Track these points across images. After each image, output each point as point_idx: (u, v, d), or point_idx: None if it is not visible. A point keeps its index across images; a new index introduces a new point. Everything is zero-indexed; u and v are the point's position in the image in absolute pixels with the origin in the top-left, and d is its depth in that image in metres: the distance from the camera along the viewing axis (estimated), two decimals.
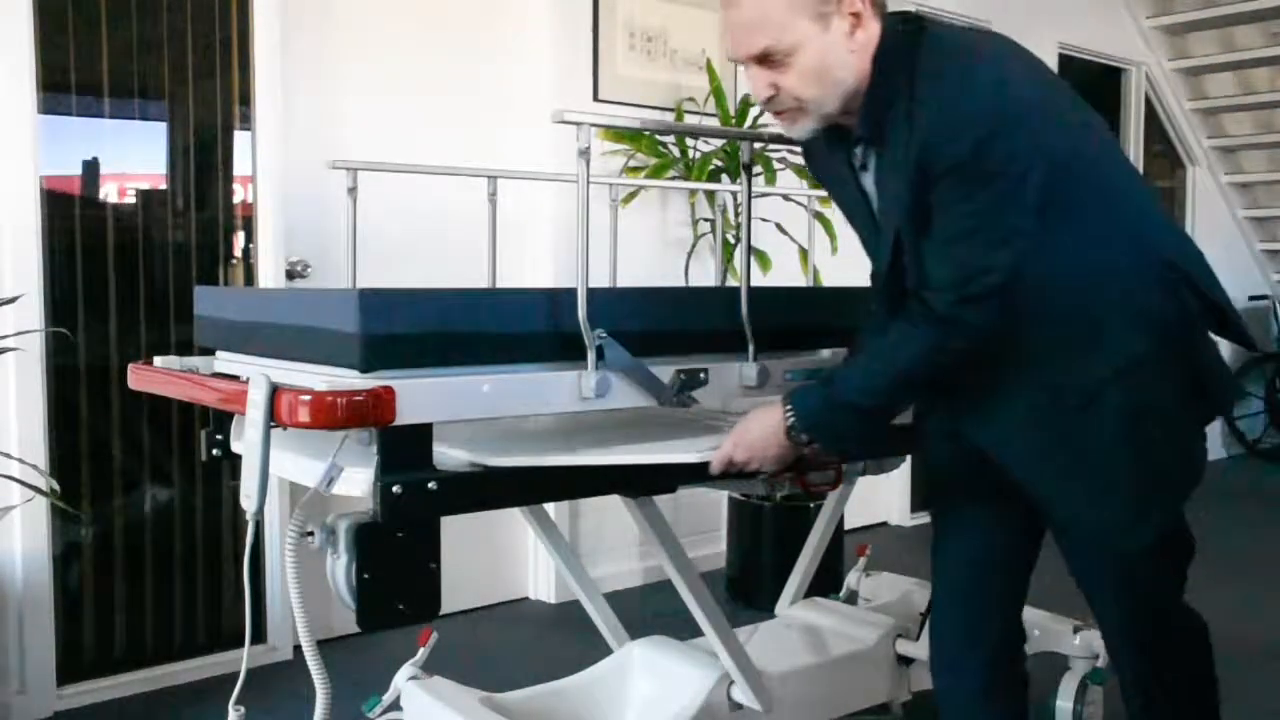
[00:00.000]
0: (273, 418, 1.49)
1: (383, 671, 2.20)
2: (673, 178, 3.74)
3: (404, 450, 1.53)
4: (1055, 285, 1.58)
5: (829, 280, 3.31)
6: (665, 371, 1.79)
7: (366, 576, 1.53)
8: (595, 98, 3.74)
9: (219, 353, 2.05)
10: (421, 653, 2.13)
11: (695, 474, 1.74)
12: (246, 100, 3.07)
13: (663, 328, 1.84)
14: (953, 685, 1.87)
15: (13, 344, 2.52)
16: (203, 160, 3.07)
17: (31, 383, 2.73)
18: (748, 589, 3.70)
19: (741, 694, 2.04)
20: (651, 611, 3.39)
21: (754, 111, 3.81)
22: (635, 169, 3.76)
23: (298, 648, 2.99)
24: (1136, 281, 1.61)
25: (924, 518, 4.59)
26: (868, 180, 1.70)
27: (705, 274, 3.88)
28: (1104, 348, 1.59)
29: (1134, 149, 6.01)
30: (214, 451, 2.04)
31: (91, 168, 2.92)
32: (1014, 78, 1.55)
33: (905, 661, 2.44)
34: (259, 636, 3.10)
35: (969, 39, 1.63)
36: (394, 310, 1.57)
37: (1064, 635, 2.48)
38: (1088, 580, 1.75)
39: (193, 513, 3.06)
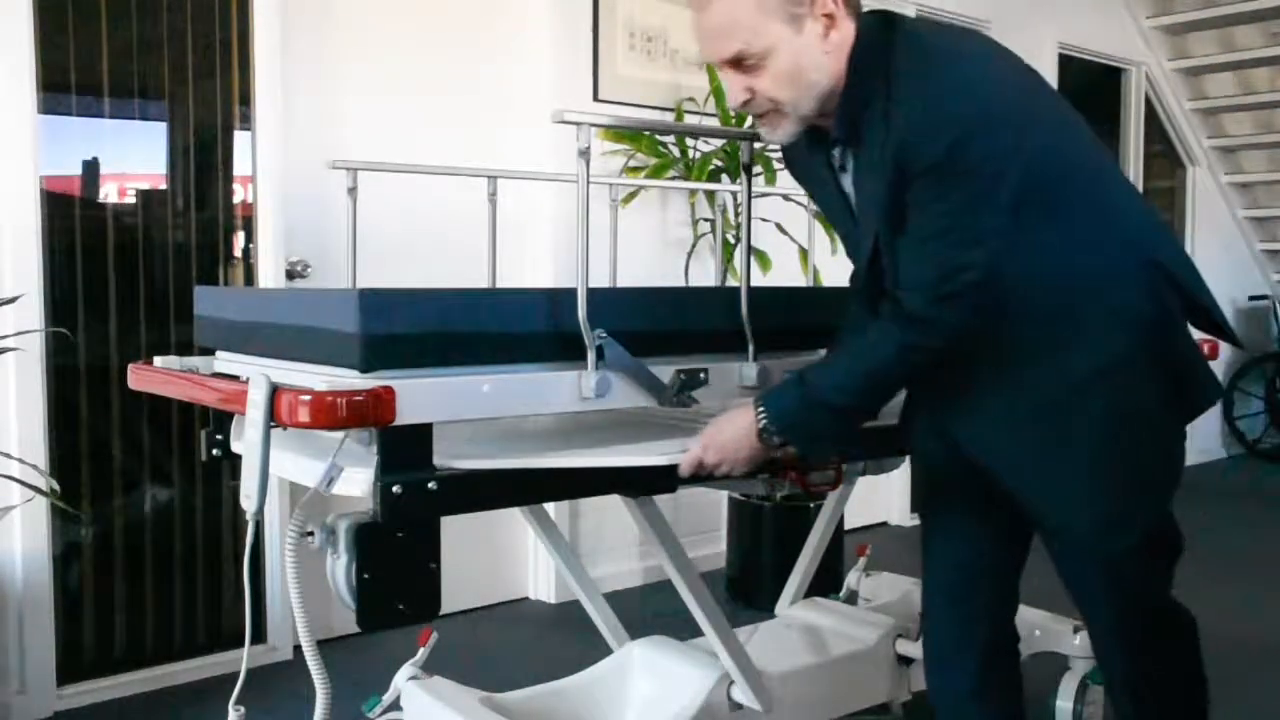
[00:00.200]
0: (273, 418, 1.49)
1: (383, 671, 2.20)
2: (673, 178, 3.74)
3: (404, 450, 1.53)
4: (1036, 284, 1.58)
5: (829, 280, 3.30)
6: (665, 371, 1.79)
7: (366, 576, 1.53)
8: (595, 98, 3.74)
9: (219, 353, 2.05)
10: (421, 653, 2.13)
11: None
12: (246, 100, 3.07)
13: (663, 328, 1.84)
14: (945, 686, 1.87)
15: (13, 344, 2.52)
16: (203, 160, 3.07)
17: (31, 383, 2.73)
18: (748, 589, 3.70)
19: (741, 694, 2.04)
20: (651, 611, 3.39)
21: None
22: (635, 169, 3.76)
23: (298, 648, 2.99)
24: (1116, 280, 1.61)
25: None
26: (847, 181, 1.70)
27: (705, 274, 3.88)
28: (1085, 347, 1.59)
29: (1134, 149, 6.01)
30: (214, 451, 2.04)
31: (91, 168, 2.92)
32: (993, 77, 1.54)
33: (905, 661, 2.44)
34: (259, 636, 3.10)
35: (946, 39, 1.61)
36: (394, 310, 1.57)
37: (1064, 635, 2.48)
38: (1076, 582, 1.74)
39: (193, 513, 3.06)
